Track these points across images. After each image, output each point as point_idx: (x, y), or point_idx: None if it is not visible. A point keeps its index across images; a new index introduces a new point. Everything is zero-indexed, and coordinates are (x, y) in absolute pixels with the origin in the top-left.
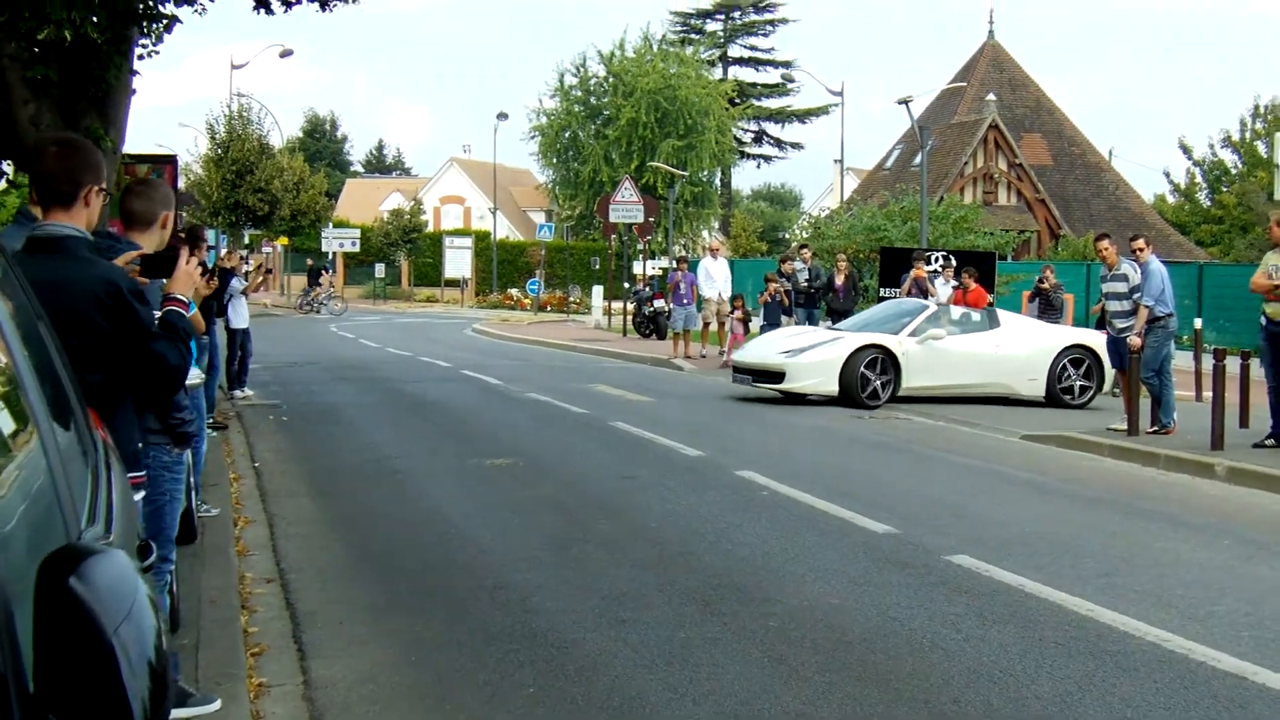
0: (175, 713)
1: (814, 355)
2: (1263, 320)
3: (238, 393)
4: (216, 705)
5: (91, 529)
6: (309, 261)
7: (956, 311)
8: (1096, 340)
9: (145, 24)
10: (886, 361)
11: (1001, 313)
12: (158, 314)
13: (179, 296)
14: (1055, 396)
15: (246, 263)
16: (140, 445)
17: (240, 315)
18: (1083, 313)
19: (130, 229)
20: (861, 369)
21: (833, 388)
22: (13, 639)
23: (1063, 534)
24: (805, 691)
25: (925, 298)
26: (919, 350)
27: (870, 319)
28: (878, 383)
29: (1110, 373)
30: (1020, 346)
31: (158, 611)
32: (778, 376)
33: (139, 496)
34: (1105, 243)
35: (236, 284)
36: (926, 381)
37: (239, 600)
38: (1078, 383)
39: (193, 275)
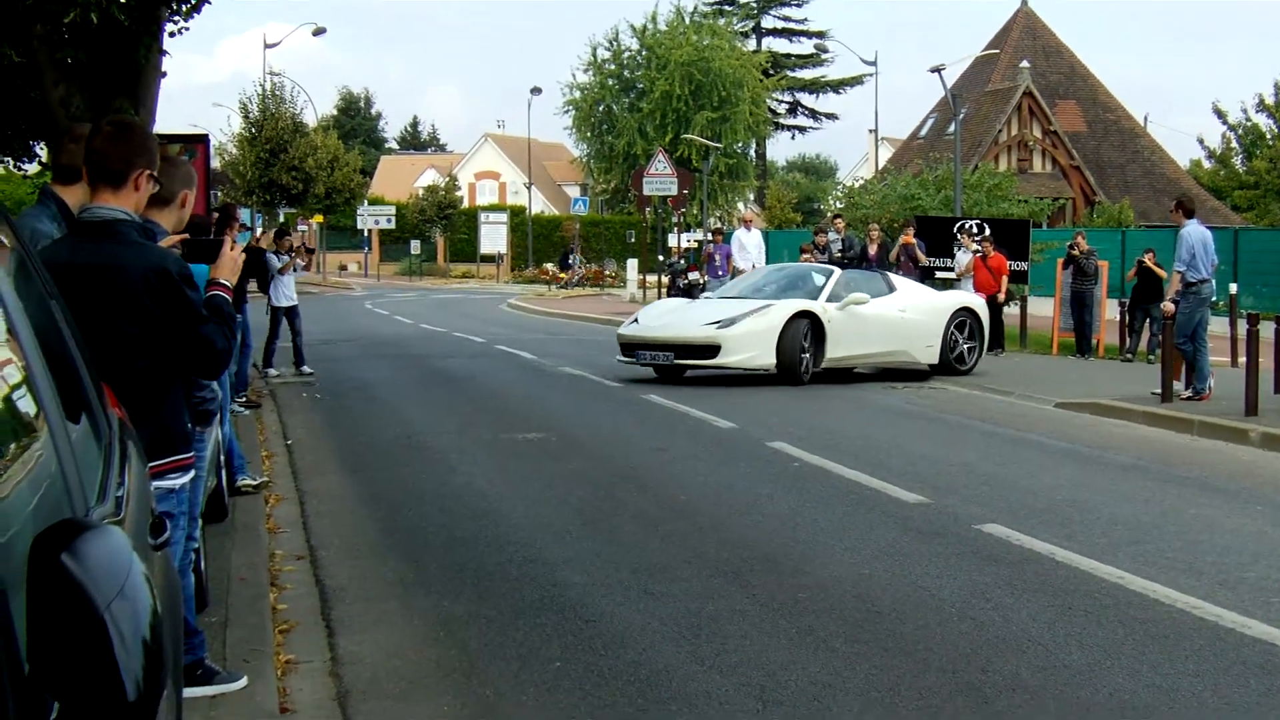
0: (202, 690)
1: (748, 325)
2: None
3: (270, 371)
4: (243, 682)
5: (100, 507)
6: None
7: (855, 274)
8: (978, 303)
9: (173, 3)
10: (813, 331)
11: (892, 276)
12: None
13: (224, 281)
14: (947, 363)
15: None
16: (190, 425)
17: (282, 294)
18: (1117, 279)
19: (149, 206)
20: (800, 340)
21: (769, 360)
22: (7, 620)
23: (1094, 502)
24: (833, 662)
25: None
26: (842, 317)
27: (760, 284)
28: (807, 355)
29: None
30: (919, 312)
31: (154, 589)
32: (709, 351)
33: (189, 477)
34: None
35: (274, 261)
36: (846, 351)
37: (268, 577)
38: (965, 346)
39: (236, 261)
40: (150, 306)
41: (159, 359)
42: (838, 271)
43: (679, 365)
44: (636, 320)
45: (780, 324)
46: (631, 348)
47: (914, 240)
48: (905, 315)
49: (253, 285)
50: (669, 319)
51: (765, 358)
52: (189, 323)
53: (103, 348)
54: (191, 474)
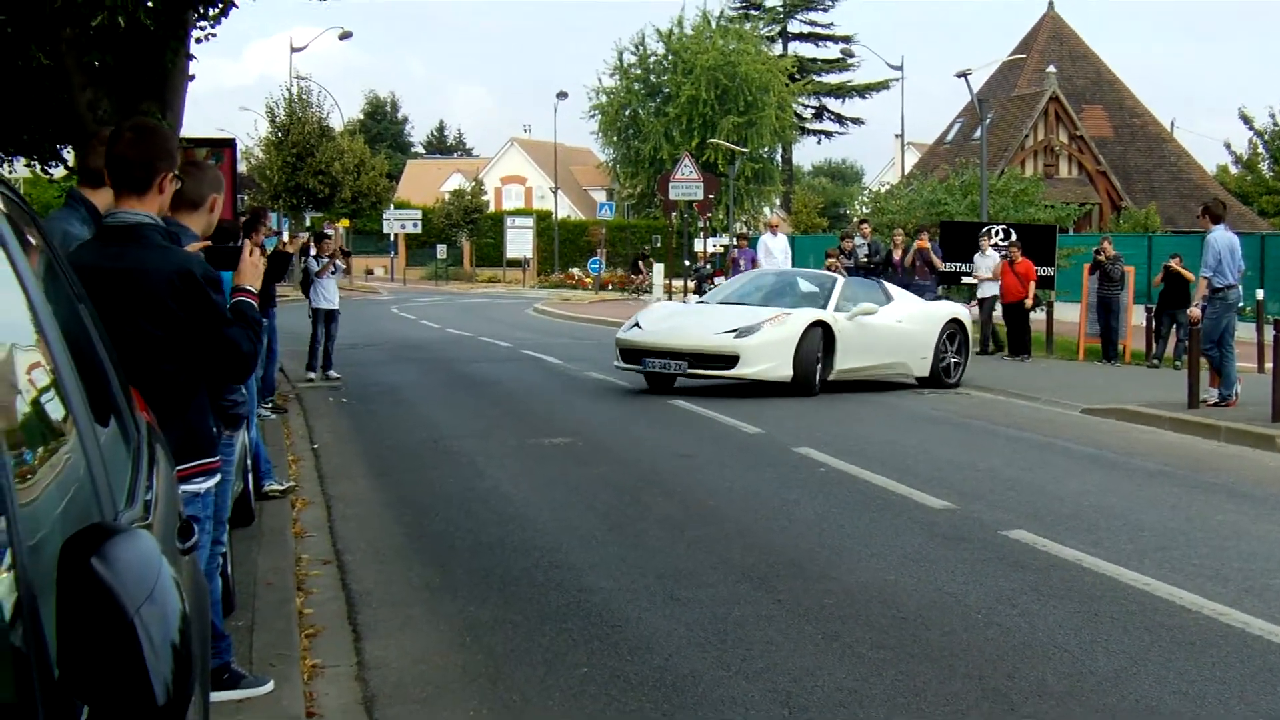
0: (229, 694)
1: (767, 334)
2: None
3: (312, 375)
4: (269, 687)
5: (129, 511)
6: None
7: (854, 282)
8: (965, 314)
9: (200, 7)
10: (824, 342)
11: (888, 285)
12: (229, 304)
13: (248, 287)
14: (937, 374)
15: (310, 246)
16: (216, 430)
17: (322, 297)
18: (1144, 284)
19: (178, 210)
20: (817, 351)
21: (787, 371)
22: (37, 625)
23: (1121, 507)
24: (859, 669)
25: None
26: (851, 328)
27: (749, 290)
28: (819, 367)
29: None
30: (914, 322)
31: (184, 594)
32: (726, 360)
33: (215, 480)
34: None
35: (313, 265)
36: (854, 363)
37: (295, 582)
38: (952, 359)
39: (257, 266)
40: (175, 309)
41: (185, 362)
42: (840, 279)
43: (691, 374)
44: (638, 325)
45: (799, 334)
46: (636, 354)
47: (929, 244)
48: (903, 326)
49: (286, 289)
50: (675, 324)
51: (783, 369)
52: (214, 325)
53: (128, 351)
54: (217, 478)
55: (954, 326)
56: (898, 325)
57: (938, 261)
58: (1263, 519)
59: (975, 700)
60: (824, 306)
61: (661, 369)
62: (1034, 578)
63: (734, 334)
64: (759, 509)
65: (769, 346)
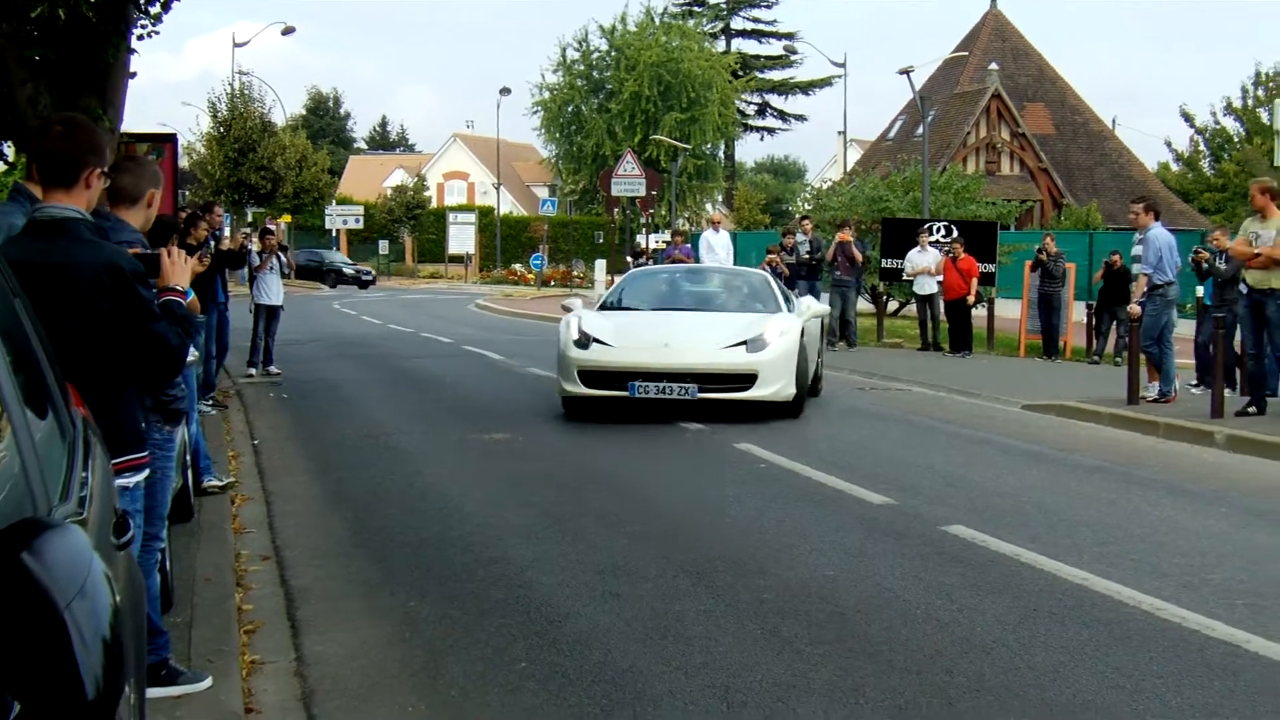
0: (166, 691)
1: (777, 347)
2: (1243, 288)
3: (253, 371)
4: (208, 683)
5: (63, 506)
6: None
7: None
8: (826, 311)
9: (141, 4)
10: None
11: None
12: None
13: (174, 286)
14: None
15: (250, 241)
16: (145, 425)
17: (264, 292)
18: (1085, 281)
19: (117, 205)
20: (806, 364)
21: (792, 389)
22: None
23: (1060, 503)
24: (798, 663)
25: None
26: (814, 334)
27: (658, 291)
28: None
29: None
30: (812, 325)
31: (117, 589)
32: (742, 381)
33: (143, 475)
34: (1137, 206)
35: (253, 260)
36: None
37: (234, 578)
38: (820, 366)
39: (179, 266)
40: (103, 303)
41: (113, 357)
42: (769, 276)
43: (700, 399)
44: (599, 340)
45: (797, 344)
46: (610, 377)
47: (850, 238)
48: (809, 332)
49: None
50: (655, 337)
51: (789, 387)
52: (141, 320)
53: (57, 345)
54: (146, 473)
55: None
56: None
57: (858, 255)
58: (1201, 514)
59: (914, 695)
60: (778, 309)
61: (661, 394)
62: (973, 573)
63: (743, 346)
64: (699, 505)
65: (780, 361)
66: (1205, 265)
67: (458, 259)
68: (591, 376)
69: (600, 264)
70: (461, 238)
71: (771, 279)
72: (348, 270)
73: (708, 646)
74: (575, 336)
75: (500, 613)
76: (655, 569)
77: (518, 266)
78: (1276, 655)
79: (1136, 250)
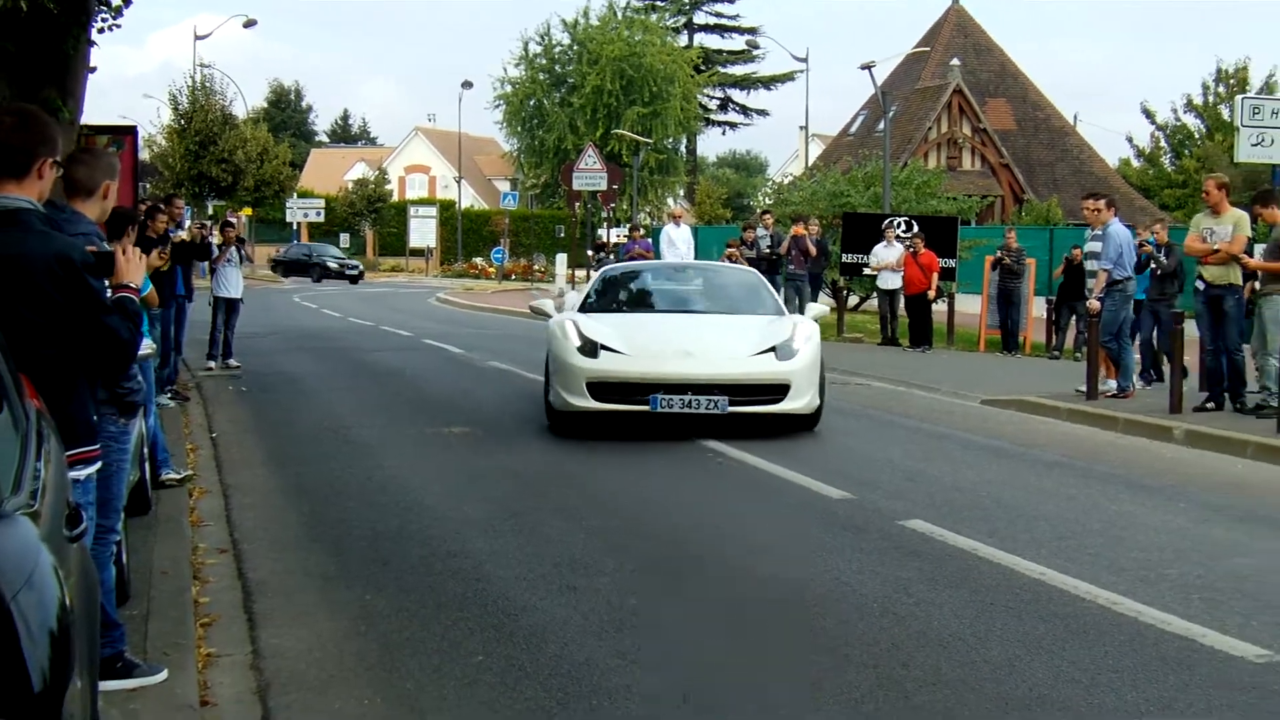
0: (121, 683)
1: (806, 353)
2: (1200, 285)
3: (212, 364)
4: (163, 676)
5: (14, 498)
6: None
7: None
8: None
9: None
10: None
11: None
12: (109, 296)
13: (127, 284)
14: None
15: (210, 234)
16: (96, 418)
17: (223, 285)
18: (1045, 277)
19: (73, 197)
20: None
21: (816, 400)
22: None
23: (1019, 498)
24: (755, 657)
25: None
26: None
27: (693, 289)
28: None
29: None
30: None
31: (67, 581)
32: (774, 392)
33: (94, 469)
34: (1090, 201)
35: (214, 252)
36: None
37: (191, 571)
38: None
39: (134, 263)
40: (54, 295)
41: (64, 349)
42: (759, 276)
43: (732, 414)
44: (607, 349)
45: (819, 349)
46: (633, 390)
47: (805, 233)
48: None
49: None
50: (674, 345)
51: (816, 398)
52: (92, 312)
53: (10, 337)
54: (96, 466)
55: None
56: None
57: (812, 249)
58: (1159, 509)
59: (871, 689)
60: (780, 311)
61: (686, 408)
62: (930, 567)
63: (772, 354)
64: (657, 499)
65: (809, 370)
66: (1147, 258)
67: (419, 252)
68: (603, 389)
69: (561, 258)
70: (423, 231)
71: (762, 276)
72: (331, 265)
73: (665, 640)
74: (577, 343)
75: (457, 606)
76: (613, 563)
77: (479, 260)
78: (1232, 649)
79: (1091, 246)
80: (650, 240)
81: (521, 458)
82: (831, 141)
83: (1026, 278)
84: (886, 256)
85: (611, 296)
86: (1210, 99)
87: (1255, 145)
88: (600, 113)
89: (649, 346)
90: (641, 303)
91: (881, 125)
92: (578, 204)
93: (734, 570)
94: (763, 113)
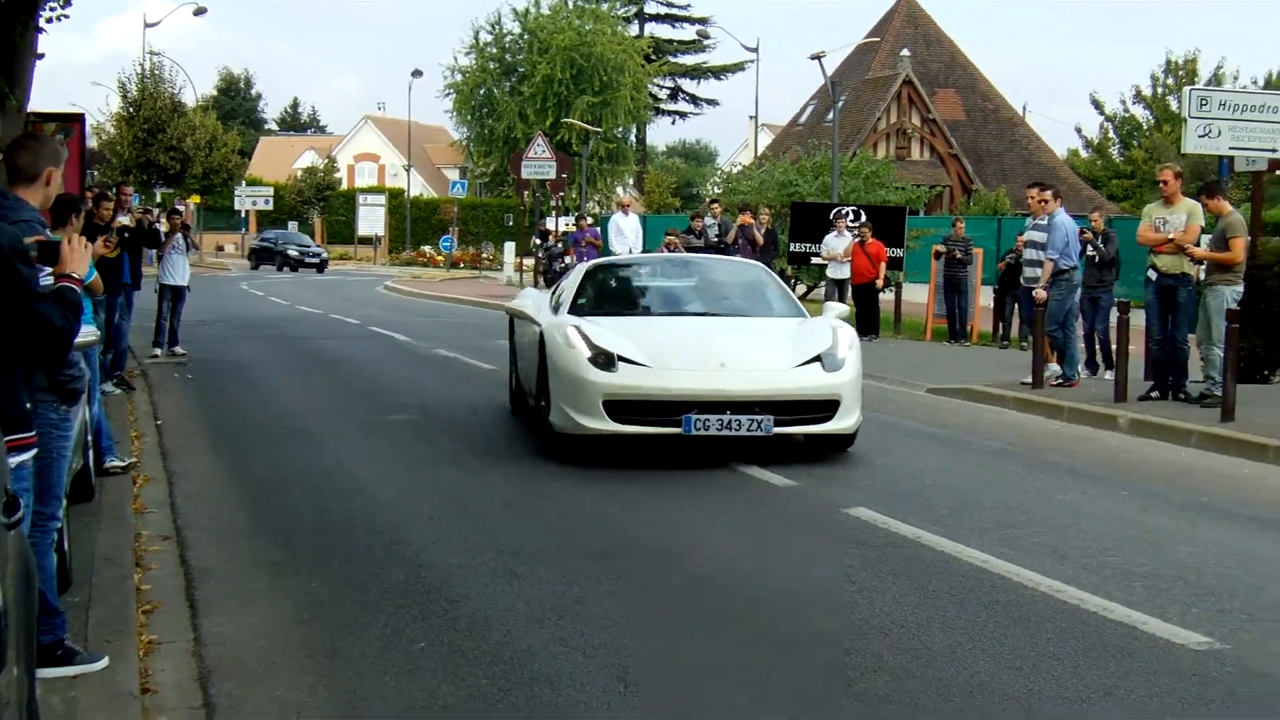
0: (61, 670)
1: (854, 363)
2: (1152, 274)
3: (158, 351)
4: (104, 663)
5: None
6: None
7: None
8: None
9: None
10: None
11: None
12: (50, 285)
13: (70, 274)
14: None
15: (158, 221)
16: (29, 405)
17: (169, 272)
18: (994, 266)
19: (15, 184)
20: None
21: (860, 416)
22: None
23: (963, 486)
24: (698, 644)
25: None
26: None
27: (659, 286)
28: None
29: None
30: None
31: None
32: (824, 409)
33: (29, 455)
34: (1035, 190)
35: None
36: None
37: (133, 558)
38: None
39: (79, 252)
40: None
41: None
42: (766, 270)
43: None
44: (625, 360)
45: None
46: (662, 408)
47: (751, 221)
48: None
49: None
50: (703, 352)
51: (860, 415)
52: (23, 299)
53: None
54: (32, 452)
55: None
56: None
57: (759, 238)
58: (1103, 498)
59: (813, 676)
60: (800, 312)
61: (725, 430)
62: (874, 555)
63: (818, 364)
64: (602, 488)
65: (857, 382)
66: (1087, 246)
67: (367, 241)
68: (623, 408)
69: (510, 246)
70: (371, 219)
71: (769, 270)
72: (292, 253)
73: (607, 628)
74: (588, 353)
75: (401, 594)
76: (558, 551)
77: (427, 248)
78: (1173, 637)
79: (1032, 235)
80: (598, 229)
81: (466, 446)
82: (781, 131)
83: (974, 267)
84: (836, 246)
85: (605, 296)
86: (1159, 91)
87: (1202, 137)
88: (550, 102)
89: (675, 357)
90: (643, 304)
91: (831, 115)
92: (526, 192)
93: (678, 558)
94: (713, 102)
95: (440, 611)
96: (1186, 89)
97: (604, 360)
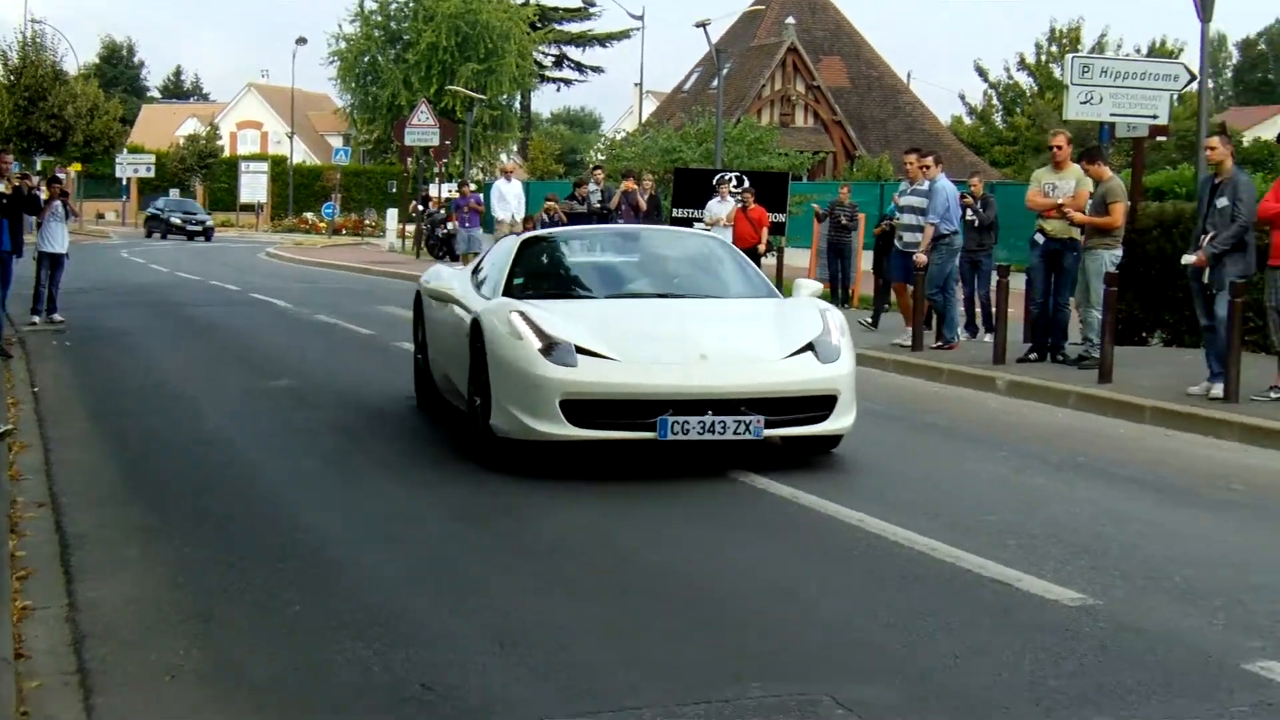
0: None
1: (849, 350)
2: (1040, 238)
3: (36, 319)
4: None
5: None
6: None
7: None
8: None
9: None
10: None
11: None
12: None
13: None
14: None
15: (38, 189)
16: None
17: (47, 240)
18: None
19: None
20: None
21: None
22: None
23: (842, 448)
24: (573, 604)
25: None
26: None
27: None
28: None
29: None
30: None
31: None
32: (820, 406)
33: None
34: (913, 156)
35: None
36: None
37: (9, 524)
38: None
39: None
40: None
41: None
42: (724, 243)
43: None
44: (585, 352)
45: None
46: (632, 409)
47: (635, 187)
48: None
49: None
50: (677, 341)
51: (855, 412)
52: None
53: None
54: None
55: None
56: None
57: (643, 204)
58: (980, 458)
59: (688, 632)
60: (770, 292)
61: (708, 433)
62: (752, 515)
63: (810, 353)
64: (477, 452)
65: (853, 375)
66: (967, 211)
67: (249, 208)
68: (586, 409)
69: (392, 213)
70: (254, 186)
71: (727, 242)
72: (175, 220)
73: (483, 589)
74: (539, 344)
75: (277, 558)
76: (434, 514)
77: (309, 215)
78: (1047, 594)
79: (909, 200)
80: (481, 195)
81: (346, 411)
82: (666, 98)
83: (857, 231)
84: (719, 212)
85: (545, 275)
86: (1043, 58)
87: (1084, 103)
88: (435, 69)
89: (645, 347)
90: (592, 283)
91: (715, 82)
92: (410, 160)
93: (552, 519)
94: (598, 70)
95: (316, 575)
96: (1069, 56)
97: (557, 352)
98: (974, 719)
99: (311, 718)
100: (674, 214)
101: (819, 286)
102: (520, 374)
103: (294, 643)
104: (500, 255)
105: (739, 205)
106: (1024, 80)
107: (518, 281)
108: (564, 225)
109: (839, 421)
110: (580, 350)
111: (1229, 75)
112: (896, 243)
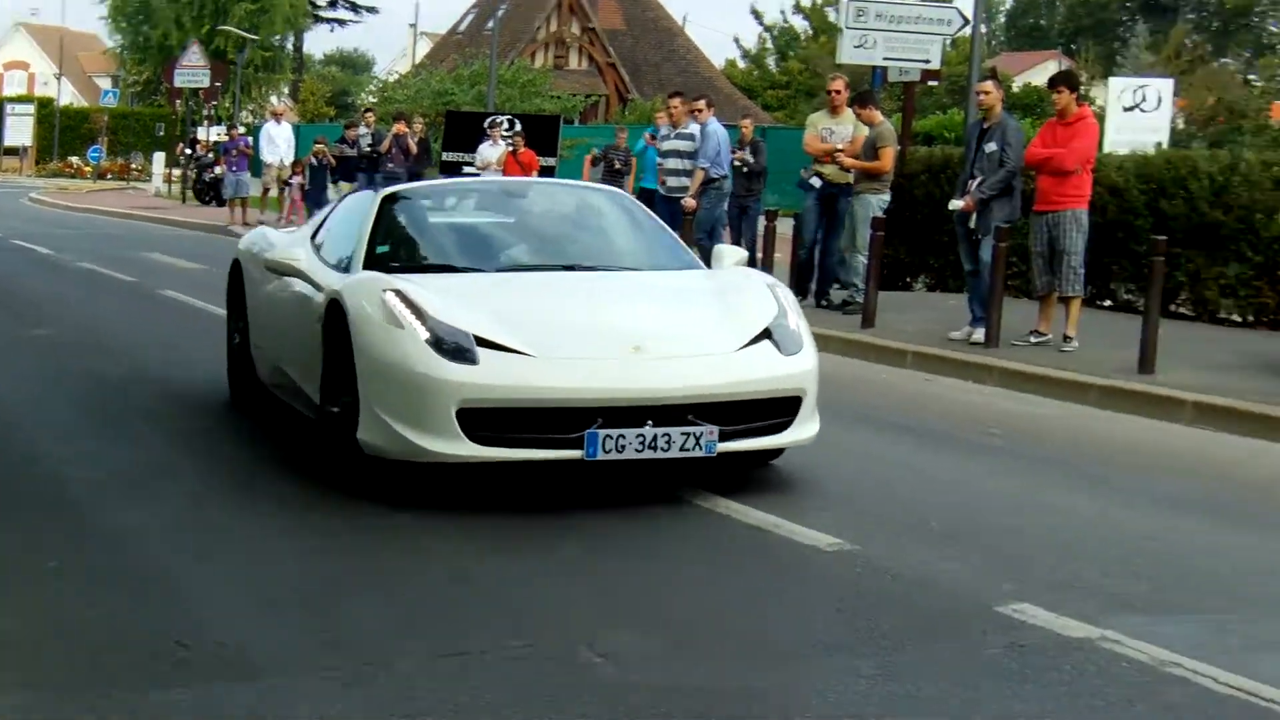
0: None
1: (810, 337)
2: (816, 182)
3: None
4: None
5: None
6: None
7: None
8: None
9: None
10: None
11: None
12: None
13: None
14: None
15: None
16: None
17: None
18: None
19: None
20: None
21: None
22: None
23: None
24: (331, 559)
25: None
26: None
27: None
28: None
29: None
30: None
31: None
32: (781, 411)
33: None
34: (677, 100)
35: None
36: None
37: None
38: None
39: None
40: None
41: None
42: (629, 197)
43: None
44: (491, 346)
45: None
46: (553, 420)
47: (406, 130)
48: None
49: None
50: (606, 330)
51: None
52: None
53: None
54: None
55: None
56: None
57: (413, 147)
58: None
59: (418, 573)
60: (694, 263)
61: (648, 449)
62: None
63: (768, 342)
64: (244, 404)
65: (817, 370)
66: (737, 161)
67: (13, 151)
68: (490, 420)
69: (159, 156)
70: (19, 129)
71: (632, 196)
72: None
73: (244, 544)
74: (425, 335)
75: (32, 510)
76: (193, 466)
77: (75, 159)
78: (804, 539)
79: (675, 144)
80: (250, 139)
81: (108, 360)
82: (440, 40)
83: (629, 175)
84: (490, 155)
85: (417, 242)
86: (818, 2)
87: (858, 47)
88: (207, 9)
89: (563, 338)
90: (478, 252)
91: (490, 24)
92: (179, 101)
93: (311, 478)
94: (372, 10)
95: (74, 529)
96: (843, 0)
97: (455, 347)
98: (726, 668)
99: (63, 674)
100: (444, 157)
101: (743, 254)
102: (403, 375)
103: (50, 597)
104: (353, 215)
105: (510, 149)
106: (799, 24)
107: (381, 250)
108: (332, 168)
109: (802, 430)
110: (481, 342)
111: (1002, 20)
112: (660, 188)
